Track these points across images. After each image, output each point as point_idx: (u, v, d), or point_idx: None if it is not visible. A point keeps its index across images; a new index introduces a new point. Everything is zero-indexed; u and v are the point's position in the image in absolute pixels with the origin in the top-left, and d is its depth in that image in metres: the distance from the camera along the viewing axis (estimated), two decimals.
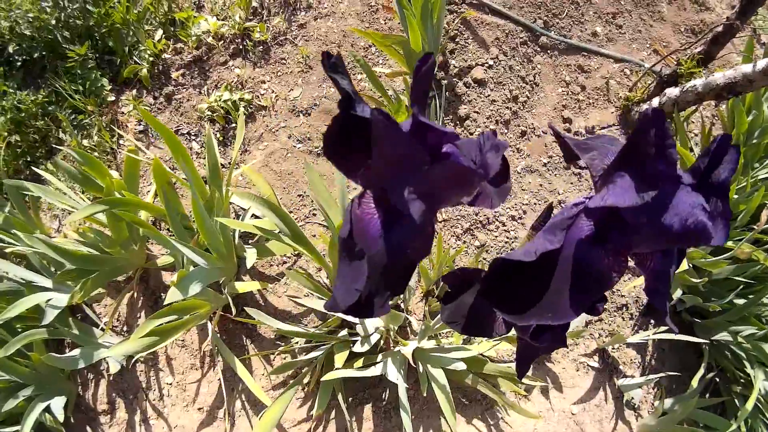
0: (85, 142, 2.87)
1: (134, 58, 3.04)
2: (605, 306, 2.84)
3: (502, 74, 3.19)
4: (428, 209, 0.64)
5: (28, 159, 2.90)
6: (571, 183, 2.97)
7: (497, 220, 2.90)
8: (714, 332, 2.65)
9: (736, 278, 2.61)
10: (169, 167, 2.76)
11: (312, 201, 2.81)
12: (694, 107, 3.01)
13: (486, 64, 3.20)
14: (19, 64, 3.05)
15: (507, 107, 3.14)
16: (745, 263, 2.57)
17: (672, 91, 2.96)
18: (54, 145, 2.90)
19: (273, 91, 3.02)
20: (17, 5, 2.90)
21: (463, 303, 0.79)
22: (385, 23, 3.29)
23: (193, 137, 2.93)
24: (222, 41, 3.12)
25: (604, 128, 3.17)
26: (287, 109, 2.98)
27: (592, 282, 0.65)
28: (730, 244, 2.60)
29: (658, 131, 0.62)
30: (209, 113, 2.89)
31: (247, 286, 2.39)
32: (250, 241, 2.62)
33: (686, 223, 0.63)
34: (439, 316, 1.93)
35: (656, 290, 0.70)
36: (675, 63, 3.20)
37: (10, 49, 3.00)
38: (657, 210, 0.63)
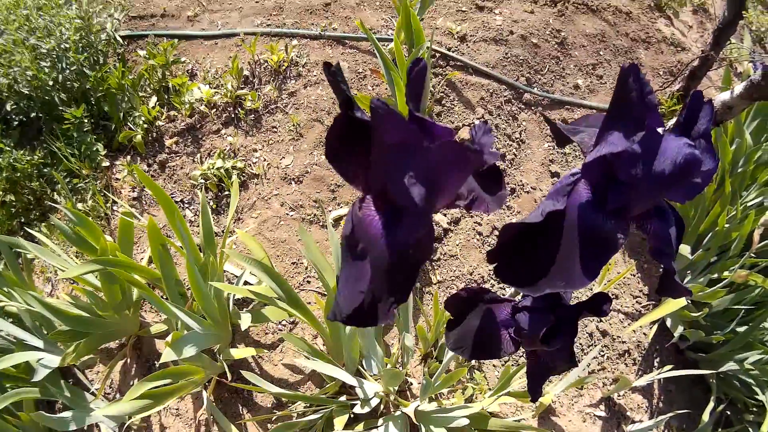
0: (79, 205, 2.89)
1: (129, 123, 3.10)
2: (608, 354, 2.81)
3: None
4: (428, 196, 0.65)
5: (22, 220, 2.91)
6: None
7: (492, 278, 2.89)
8: (720, 364, 2.61)
9: (736, 307, 2.59)
10: (163, 234, 2.77)
11: (306, 268, 2.81)
12: None
13: (472, 125, 3.27)
14: (16, 123, 3.09)
15: (505, 183, 3.19)
16: (743, 290, 2.56)
17: None
18: (48, 208, 2.92)
19: (265, 159, 3.07)
20: (16, 62, 2.96)
21: (469, 326, 0.80)
22: (374, 89, 3.38)
23: (187, 205, 2.96)
24: (215, 109, 3.20)
25: None
26: (279, 177, 3.01)
27: (599, 246, 0.67)
28: (726, 273, 2.59)
29: (635, 79, 0.66)
30: (202, 181, 2.93)
31: (242, 352, 2.36)
32: (245, 309, 2.60)
33: (676, 162, 0.65)
34: (436, 374, 1.90)
35: (660, 251, 0.73)
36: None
37: (8, 107, 3.05)
38: (648, 156, 0.66)
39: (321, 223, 2.89)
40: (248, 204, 2.93)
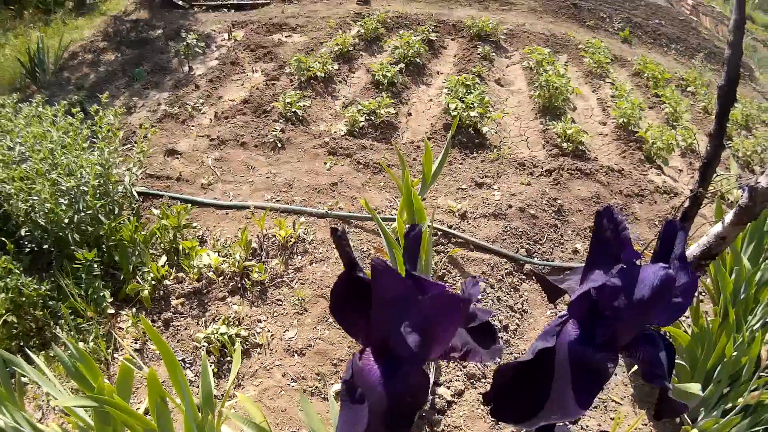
0: (80, 345, 2.83)
1: (137, 277, 3.12)
2: None
3: (490, 306, 3.28)
4: (423, 343, 0.71)
5: (21, 343, 2.80)
6: None
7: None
8: None
9: (754, 430, 2.41)
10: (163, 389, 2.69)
11: None
12: None
13: (463, 281, 3.31)
14: (27, 250, 3.10)
15: (499, 337, 3.17)
16: (758, 412, 2.41)
17: None
18: (49, 339, 2.82)
19: (269, 331, 3.06)
20: (36, 192, 3.02)
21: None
22: None
23: (188, 365, 2.90)
24: (222, 277, 3.25)
25: None
26: (282, 349, 2.99)
27: (590, 378, 0.71)
28: (739, 400, 2.44)
29: (609, 219, 0.75)
30: (205, 344, 2.91)
31: None
32: None
33: (653, 286, 0.70)
34: None
35: (652, 373, 0.77)
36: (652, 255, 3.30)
37: (23, 232, 3.08)
38: (628, 287, 0.72)
39: (322, 396, 2.82)
40: (250, 372, 2.87)
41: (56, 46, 6.45)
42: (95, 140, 3.32)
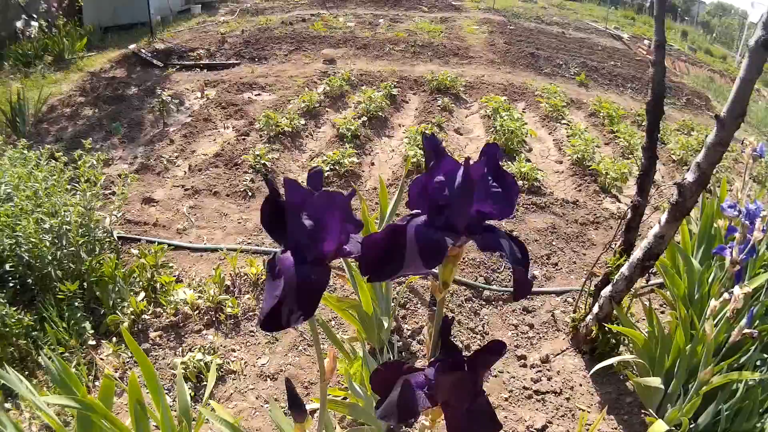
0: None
1: (118, 311, 3.28)
2: None
3: (452, 329, 3.51)
4: (316, 230, 0.97)
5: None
6: (536, 409, 3.08)
7: None
8: None
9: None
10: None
11: None
12: (632, 292, 3.08)
13: None
14: (11, 285, 3.19)
15: None
16: (719, 397, 2.50)
17: (606, 291, 3.08)
18: (32, 369, 2.91)
19: (242, 359, 3.23)
20: (21, 228, 3.14)
21: (393, 397, 1.00)
22: (342, 291, 3.70)
23: (167, 391, 3.04)
24: (197, 311, 3.43)
25: (557, 355, 3.40)
26: (255, 374, 3.16)
27: (433, 248, 0.93)
28: (702, 389, 2.46)
29: (430, 141, 1.00)
30: (183, 369, 3.05)
31: None
32: None
33: (463, 178, 0.94)
34: None
35: (487, 245, 0.96)
36: (605, 270, 3.31)
37: (8, 266, 3.17)
38: (450, 181, 0.96)
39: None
40: (225, 395, 3.03)
41: (36, 98, 6.70)
42: (77, 185, 3.53)
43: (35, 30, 9.08)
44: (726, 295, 2.20)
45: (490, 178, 0.97)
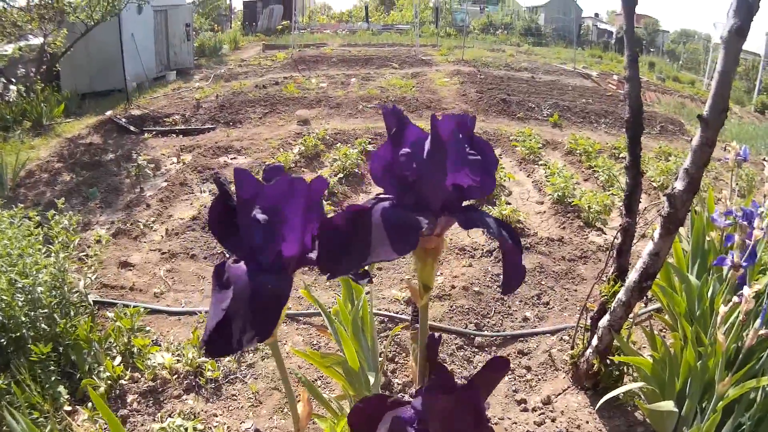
0: None
1: (94, 376, 3.12)
2: None
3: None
4: (274, 228, 0.84)
5: None
6: None
7: None
8: None
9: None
10: None
11: None
12: (630, 320, 2.98)
13: None
14: None
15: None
16: (738, 410, 2.37)
17: (603, 320, 2.96)
18: None
19: (225, 423, 3.07)
20: None
21: None
22: (326, 347, 3.56)
23: None
24: (176, 376, 3.27)
25: (559, 395, 3.26)
26: None
27: (404, 231, 0.80)
28: (719, 405, 2.33)
29: (392, 113, 0.88)
30: None
31: None
32: None
33: (432, 144, 0.83)
34: None
35: (469, 222, 0.85)
36: (601, 299, 3.19)
37: None
38: (416, 153, 0.85)
39: None
40: None
41: (13, 162, 6.69)
42: (51, 245, 3.42)
43: (14, 94, 9.06)
44: (735, 299, 2.11)
45: (466, 146, 0.86)
